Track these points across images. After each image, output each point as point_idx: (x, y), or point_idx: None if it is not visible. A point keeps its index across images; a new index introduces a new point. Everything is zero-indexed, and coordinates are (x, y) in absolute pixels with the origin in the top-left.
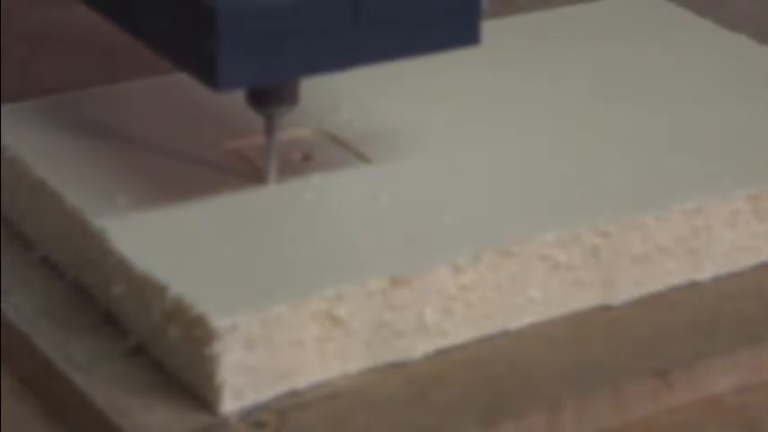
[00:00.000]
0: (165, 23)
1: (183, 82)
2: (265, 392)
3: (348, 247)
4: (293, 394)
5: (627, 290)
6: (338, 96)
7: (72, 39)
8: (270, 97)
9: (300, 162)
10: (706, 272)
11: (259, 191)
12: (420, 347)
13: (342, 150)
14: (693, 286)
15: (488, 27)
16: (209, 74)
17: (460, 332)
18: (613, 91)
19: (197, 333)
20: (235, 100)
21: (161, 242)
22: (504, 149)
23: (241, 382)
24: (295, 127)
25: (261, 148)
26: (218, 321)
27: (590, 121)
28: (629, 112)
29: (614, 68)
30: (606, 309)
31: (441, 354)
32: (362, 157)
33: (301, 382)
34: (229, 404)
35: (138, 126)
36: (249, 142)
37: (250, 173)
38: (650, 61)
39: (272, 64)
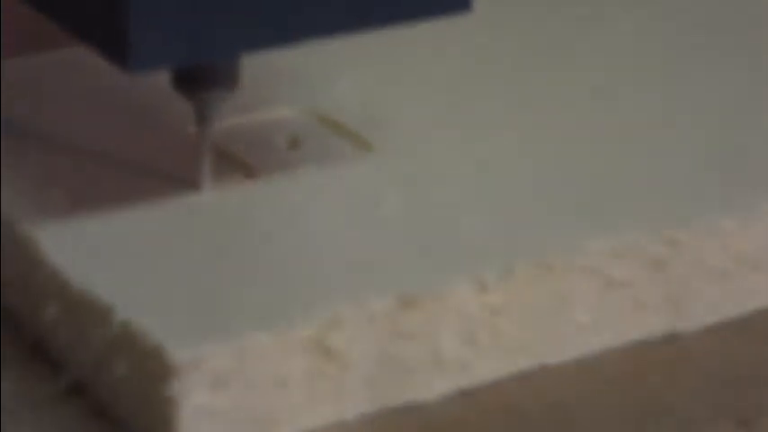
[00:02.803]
0: None
1: None
2: None
3: (345, 259)
4: None
5: (699, 314)
6: (333, 68)
7: None
8: (199, 79)
9: (285, 150)
10: None
11: (232, 188)
12: (436, 387)
13: (337, 136)
14: None
15: None
16: (119, 53)
17: (487, 367)
18: (666, 63)
19: (151, 368)
20: None
21: (106, 254)
22: (538, 137)
23: (207, 430)
24: (279, 106)
25: (240, 134)
26: (178, 353)
27: (643, 100)
28: (694, 85)
29: (660, 40)
30: (673, 338)
31: (462, 395)
32: (363, 145)
33: (285, 430)
34: None
35: (84, 112)
36: (226, 127)
37: (223, 167)
38: (702, 31)
39: (196, 39)
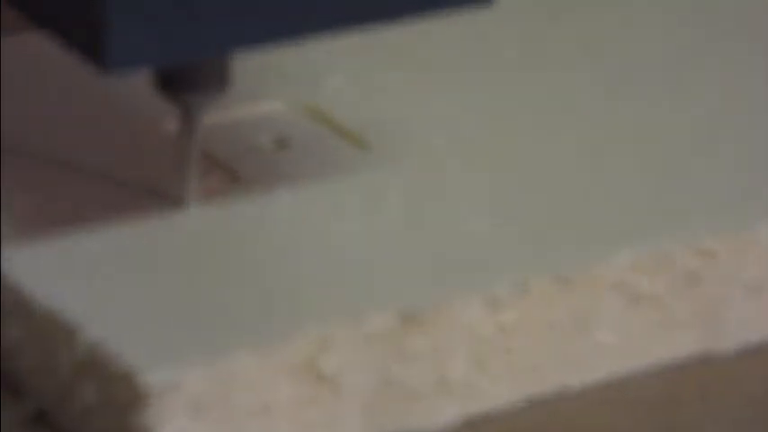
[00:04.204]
0: None
1: None
2: None
3: (339, 272)
4: None
5: (737, 333)
6: (326, 59)
7: None
8: (185, 80)
9: (273, 150)
10: None
11: (212, 194)
12: (442, 414)
13: (330, 134)
14: None
15: None
16: (95, 52)
17: (498, 392)
18: (692, 63)
19: (121, 394)
20: None
21: (73, 271)
22: (553, 138)
23: None
24: (264, 101)
25: (221, 134)
26: (151, 378)
27: (669, 102)
28: (724, 85)
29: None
30: (707, 359)
31: (471, 423)
32: (360, 145)
33: None
34: None
35: (47, 111)
36: (204, 125)
37: (202, 170)
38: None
39: (182, 35)
